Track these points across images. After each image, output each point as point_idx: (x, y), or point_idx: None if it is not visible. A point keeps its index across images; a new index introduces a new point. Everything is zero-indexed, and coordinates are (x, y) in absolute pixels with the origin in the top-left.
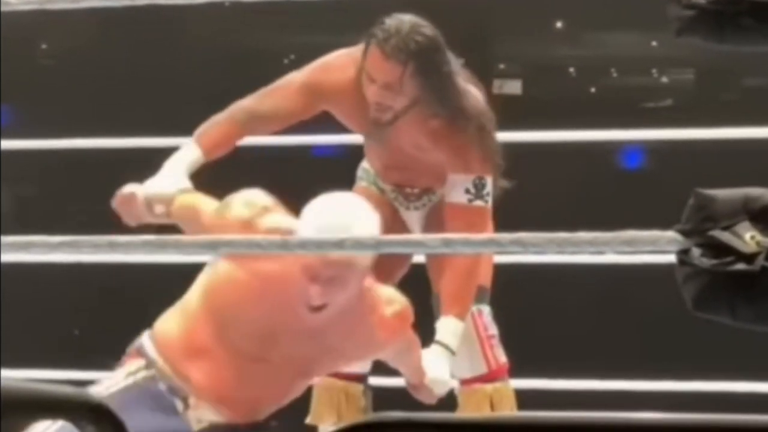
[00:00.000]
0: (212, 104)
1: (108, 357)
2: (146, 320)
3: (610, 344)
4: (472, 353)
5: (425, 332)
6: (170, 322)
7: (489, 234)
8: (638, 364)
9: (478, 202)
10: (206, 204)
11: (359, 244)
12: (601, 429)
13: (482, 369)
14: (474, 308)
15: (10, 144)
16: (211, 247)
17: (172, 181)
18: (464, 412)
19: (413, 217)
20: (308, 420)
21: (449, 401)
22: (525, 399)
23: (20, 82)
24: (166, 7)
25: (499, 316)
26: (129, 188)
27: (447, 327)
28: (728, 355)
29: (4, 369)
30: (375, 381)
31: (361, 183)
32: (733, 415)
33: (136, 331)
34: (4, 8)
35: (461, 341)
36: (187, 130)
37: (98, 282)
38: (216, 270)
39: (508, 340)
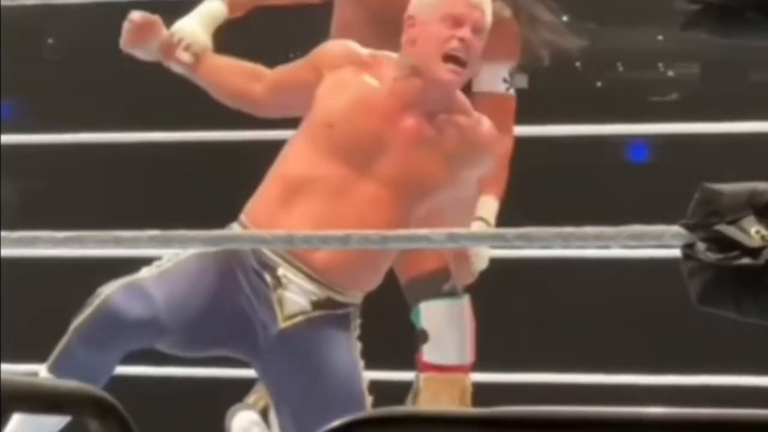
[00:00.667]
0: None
1: None
2: None
3: (614, 339)
4: (463, 340)
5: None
6: (258, 195)
7: (495, 229)
8: (643, 359)
9: (512, 91)
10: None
11: (365, 239)
12: (609, 423)
13: (468, 358)
14: (466, 297)
15: (13, 138)
16: (215, 241)
17: (203, 32)
18: (443, 401)
19: None
20: None
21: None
22: (530, 393)
23: (25, 76)
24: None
25: (502, 309)
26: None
27: (488, 205)
28: (733, 349)
29: (4, 363)
30: (374, 375)
31: None
32: (738, 410)
33: None
34: (4, 2)
35: (456, 325)
36: (193, 124)
37: (100, 276)
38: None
39: (510, 333)
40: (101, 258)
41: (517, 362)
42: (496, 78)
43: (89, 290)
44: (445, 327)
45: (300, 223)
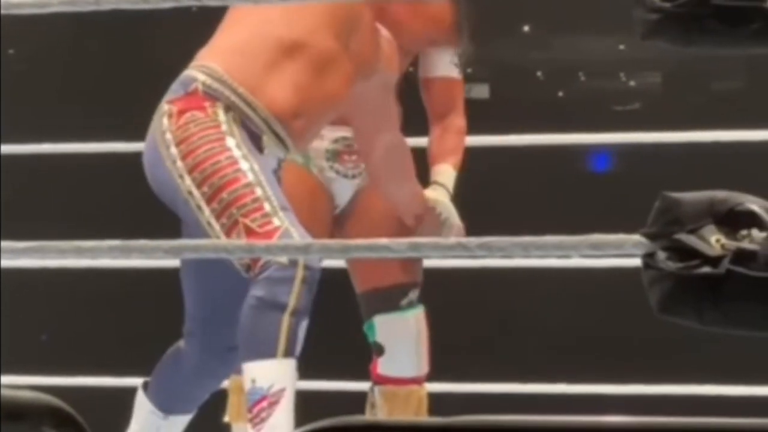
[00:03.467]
0: None
1: (75, 363)
2: (118, 328)
3: (576, 348)
4: (419, 352)
5: None
6: (241, 50)
7: (456, 239)
8: (604, 368)
9: (460, 75)
10: None
11: (325, 248)
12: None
13: (424, 369)
14: (420, 308)
15: None
16: (178, 251)
17: None
18: (401, 413)
19: (345, 187)
20: (225, 419)
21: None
22: (491, 404)
23: None
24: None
25: (463, 318)
26: None
27: (445, 171)
28: (695, 358)
29: None
30: (328, 386)
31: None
32: (701, 418)
33: (107, 338)
34: None
35: (411, 338)
36: None
37: (68, 286)
38: None
39: (469, 343)
40: (66, 267)
41: (477, 372)
42: (448, 63)
43: (55, 300)
44: (401, 340)
45: (283, 92)
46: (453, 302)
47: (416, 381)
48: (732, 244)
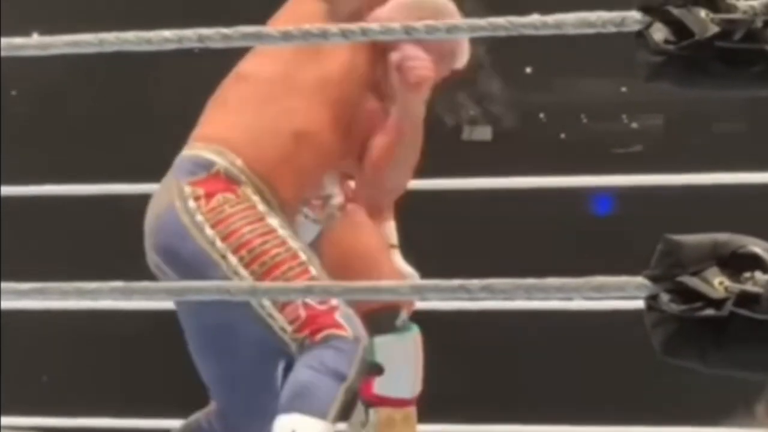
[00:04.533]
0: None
1: (75, 404)
2: (118, 369)
3: (578, 389)
4: (417, 373)
5: None
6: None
7: (458, 281)
8: (607, 409)
9: None
10: None
11: (327, 290)
12: None
13: (418, 390)
14: (416, 329)
15: None
16: (179, 292)
17: None
18: None
19: (309, 231)
20: None
21: None
22: None
23: None
24: (137, 53)
25: (470, 358)
26: None
27: (393, 230)
28: (698, 401)
29: None
30: None
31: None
32: None
33: (108, 380)
34: None
35: (410, 359)
36: (160, 176)
37: (69, 328)
38: None
39: (473, 384)
40: (67, 309)
41: (480, 412)
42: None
43: (54, 342)
44: (401, 361)
45: (294, 180)
46: (453, 342)
47: (412, 402)
48: (735, 287)
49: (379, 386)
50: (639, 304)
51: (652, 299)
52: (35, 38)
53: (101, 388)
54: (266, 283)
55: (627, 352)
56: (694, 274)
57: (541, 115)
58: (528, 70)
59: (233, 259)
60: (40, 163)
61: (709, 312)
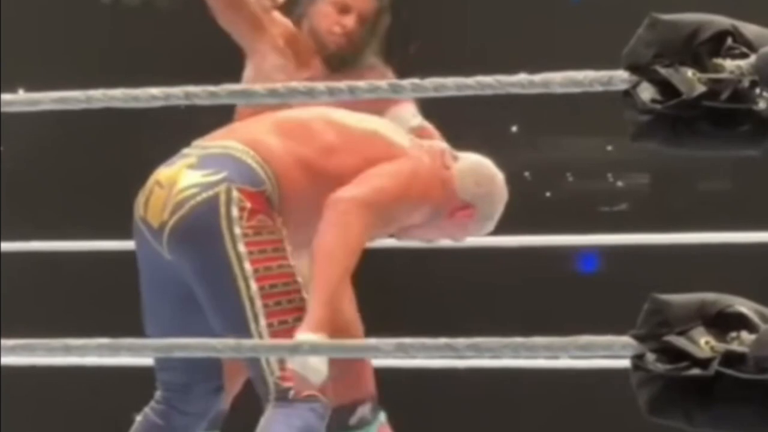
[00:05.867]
0: None
1: None
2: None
3: None
4: None
5: None
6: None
7: (444, 339)
8: None
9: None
10: None
11: (314, 348)
12: None
13: None
14: (377, 422)
15: None
16: (167, 349)
17: None
18: None
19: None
20: None
21: None
22: None
23: None
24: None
25: (457, 416)
26: None
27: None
28: None
29: None
30: None
31: None
32: None
33: None
34: None
35: None
36: None
37: (61, 383)
38: None
39: None
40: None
41: None
42: (409, 113)
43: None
44: None
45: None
46: (433, 401)
47: None
48: (721, 346)
49: None
50: (625, 363)
51: (638, 358)
52: (22, 94)
53: None
54: (251, 341)
55: (614, 409)
56: (681, 333)
57: (527, 174)
58: (514, 129)
59: (254, 286)
60: (28, 219)
61: (695, 371)
